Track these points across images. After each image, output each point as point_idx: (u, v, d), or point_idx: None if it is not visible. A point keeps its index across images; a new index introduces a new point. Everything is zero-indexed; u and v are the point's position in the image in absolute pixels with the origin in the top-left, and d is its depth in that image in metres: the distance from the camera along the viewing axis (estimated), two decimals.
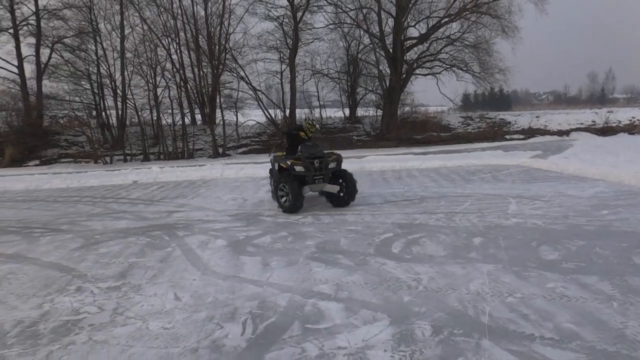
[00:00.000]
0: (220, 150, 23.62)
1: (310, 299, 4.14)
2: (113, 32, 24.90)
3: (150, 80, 23.88)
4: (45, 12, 24.41)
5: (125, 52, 24.34)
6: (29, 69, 25.11)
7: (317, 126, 9.52)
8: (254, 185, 11.91)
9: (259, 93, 26.03)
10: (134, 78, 24.59)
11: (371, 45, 26.43)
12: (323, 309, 3.92)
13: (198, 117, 28.21)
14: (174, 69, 24.78)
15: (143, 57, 23.95)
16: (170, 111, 24.45)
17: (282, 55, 26.73)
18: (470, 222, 6.83)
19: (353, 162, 15.35)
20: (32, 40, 24.85)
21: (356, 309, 3.90)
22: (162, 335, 3.55)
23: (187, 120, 25.58)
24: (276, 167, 8.68)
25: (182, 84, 25.08)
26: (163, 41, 24.72)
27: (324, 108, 28.80)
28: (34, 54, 24.70)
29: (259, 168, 15.01)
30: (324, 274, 4.79)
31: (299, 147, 8.58)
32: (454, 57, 26.40)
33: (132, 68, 24.38)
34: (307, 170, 8.04)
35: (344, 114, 29.43)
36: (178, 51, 25.56)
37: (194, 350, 3.30)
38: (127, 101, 24.60)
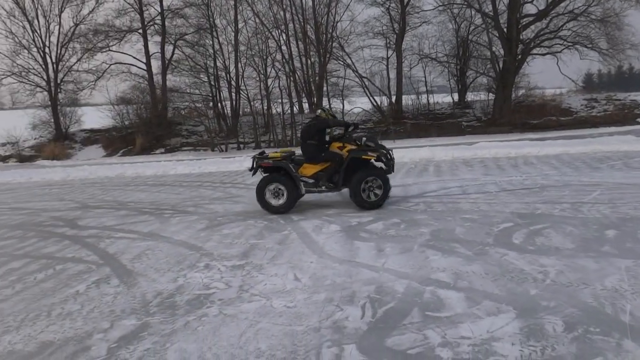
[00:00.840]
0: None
1: (428, 287, 4.07)
2: (228, 26, 26.33)
3: (262, 71, 24.93)
4: (169, 11, 26.47)
5: (239, 45, 25.61)
6: (155, 65, 27.53)
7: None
8: None
9: (364, 80, 26.00)
10: (247, 70, 25.86)
11: (483, 26, 25.06)
12: (442, 297, 3.83)
13: (305, 105, 28.91)
14: (284, 60, 25.62)
15: (255, 50, 25.08)
16: (279, 100, 25.35)
17: (388, 41, 26.40)
18: (601, 213, 6.23)
19: (463, 148, 14.76)
20: (158, 38, 27.12)
21: (478, 299, 3.76)
22: (285, 313, 3.71)
23: (295, 109, 26.35)
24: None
25: (290, 74, 25.87)
26: (273, 33, 25.66)
27: (431, 93, 27.96)
28: (160, 51, 26.96)
29: None
30: (440, 262, 4.68)
31: (362, 139, 7.54)
32: (578, 34, 24.12)
33: (245, 60, 25.63)
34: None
35: (453, 99, 28.34)
36: (287, 42, 26.39)
37: (317, 329, 3.41)
38: (241, 92, 25.94)
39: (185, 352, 3.20)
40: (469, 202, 7.45)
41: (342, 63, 26.09)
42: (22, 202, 10.57)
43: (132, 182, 13.34)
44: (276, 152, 7.83)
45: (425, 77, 27.88)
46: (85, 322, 3.79)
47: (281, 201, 7.47)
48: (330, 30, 25.72)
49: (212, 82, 26.28)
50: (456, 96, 28.48)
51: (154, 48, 27.41)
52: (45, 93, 27.58)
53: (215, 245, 5.83)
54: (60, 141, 26.56)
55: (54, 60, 27.36)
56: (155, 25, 27.22)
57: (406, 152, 14.76)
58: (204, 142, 25.04)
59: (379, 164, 7.64)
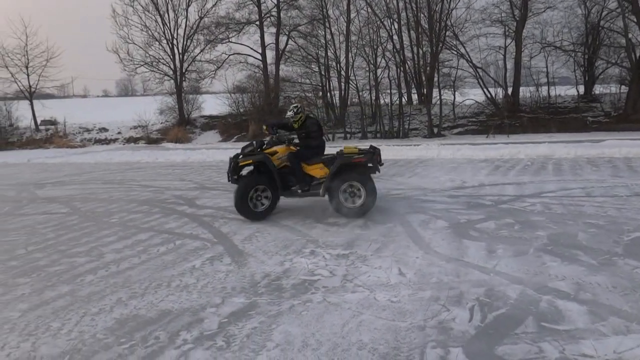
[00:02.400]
0: (435, 130, 23.32)
1: (545, 295, 3.76)
2: (340, 17, 26.51)
3: (371, 61, 24.79)
4: (285, 3, 27.30)
5: (350, 35, 25.69)
6: (270, 55, 28.63)
7: (291, 113, 7.30)
8: (472, 168, 11.41)
9: (479, 71, 24.73)
10: (357, 60, 25.87)
11: (618, 10, 22.50)
12: (561, 309, 3.52)
13: (414, 96, 28.27)
14: (394, 50, 25.25)
15: (366, 39, 24.98)
16: (388, 91, 25.07)
17: (507, 29, 24.78)
18: None
19: (587, 146, 13.45)
20: (273, 29, 28.12)
21: (603, 315, 3.39)
22: (389, 308, 3.65)
23: (403, 100, 25.89)
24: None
25: (401, 64, 25.42)
26: (385, 22, 25.37)
27: (553, 85, 25.79)
28: (274, 42, 27.97)
29: (477, 150, 14.34)
30: (560, 270, 4.30)
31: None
32: None
33: (355, 50, 25.64)
34: None
35: (577, 91, 25.93)
36: (399, 31, 25.94)
37: (421, 328, 3.31)
38: (350, 82, 26.05)
39: (289, 335, 3.28)
40: (593, 205, 6.77)
41: (455, 53, 25.05)
42: (149, 180, 11.62)
43: None
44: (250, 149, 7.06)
45: (546, 68, 25.81)
46: (199, 296, 4.06)
47: (265, 205, 6.79)
48: (445, 19, 24.76)
49: (323, 72, 26.69)
50: (582, 89, 26.02)
51: (269, 39, 28.53)
52: (172, 81, 29.98)
53: (321, 232, 5.93)
54: (182, 126, 28.78)
55: (180, 51, 29.61)
56: (271, 17, 28.26)
57: (522, 148, 13.81)
58: None
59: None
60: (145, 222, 7.02)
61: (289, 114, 7.21)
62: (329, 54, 26.41)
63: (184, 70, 29.72)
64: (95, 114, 36.32)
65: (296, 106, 7.29)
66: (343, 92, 26.46)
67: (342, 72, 26.17)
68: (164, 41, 29.49)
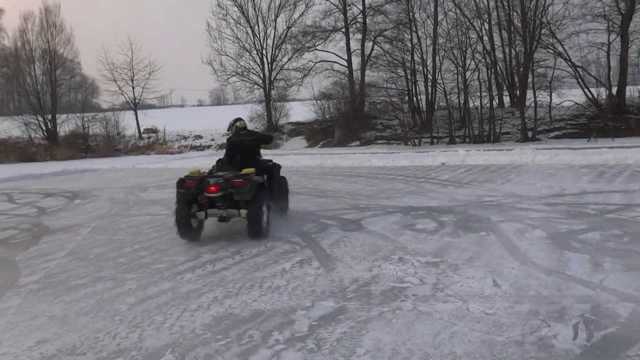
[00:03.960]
0: (530, 134, 22.06)
1: None
2: (427, 19, 26.04)
3: (460, 64, 24.06)
4: (370, 9, 27.37)
5: (438, 37, 25.13)
6: (356, 61, 28.84)
7: (240, 123, 7.38)
8: (572, 174, 10.65)
9: (578, 70, 23.05)
10: (444, 63, 25.24)
11: None
12: None
13: (506, 99, 26.99)
14: (484, 51, 24.30)
15: (454, 42, 24.30)
16: (478, 94, 24.17)
17: (611, 24, 22.87)
18: None
19: None
20: (359, 36, 28.31)
21: None
22: (483, 320, 3.50)
23: (494, 103, 24.81)
24: None
25: (491, 66, 24.41)
26: (474, 23, 24.49)
27: None
28: (360, 47, 28.11)
29: (577, 154, 13.37)
30: None
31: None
32: None
33: (443, 53, 25.03)
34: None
35: None
36: (489, 32, 24.93)
37: (519, 343, 3.13)
38: (437, 85, 25.46)
39: (379, 342, 3.25)
40: None
41: (552, 51, 23.55)
42: None
43: (330, 172, 14.23)
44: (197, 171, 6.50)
45: None
46: (290, 298, 4.15)
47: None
48: (540, 16, 23.37)
49: (409, 76, 26.36)
50: None
51: (354, 45, 28.74)
52: (261, 90, 31.15)
53: (409, 239, 5.83)
54: (270, 132, 29.77)
55: (269, 61, 30.70)
56: (357, 23, 28.45)
57: (630, 153, 12.67)
58: (398, 136, 25.32)
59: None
60: (235, 223, 7.32)
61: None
62: (416, 57, 26.04)
63: (272, 79, 30.77)
64: (191, 122, 38.61)
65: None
66: (430, 96, 25.93)
67: (429, 76, 25.66)
68: (254, 52, 30.74)
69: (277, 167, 7.53)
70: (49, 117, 31.57)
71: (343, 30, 28.67)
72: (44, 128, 31.44)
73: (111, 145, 31.04)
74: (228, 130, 7.48)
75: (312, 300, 4.05)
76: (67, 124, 31.98)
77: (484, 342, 3.17)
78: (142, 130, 33.40)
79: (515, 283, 4.18)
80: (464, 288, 4.13)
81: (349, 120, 27.45)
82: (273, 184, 7.17)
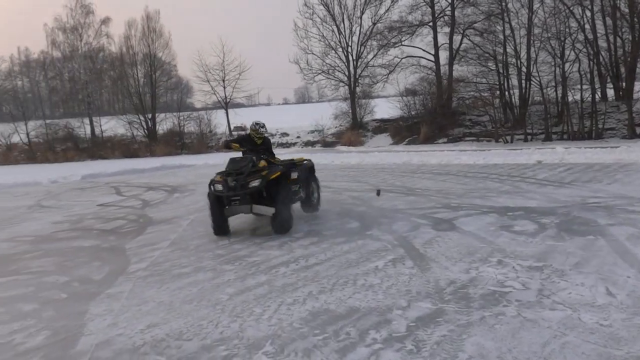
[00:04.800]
0: (639, 130, 20.15)
1: None
2: (522, 9, 24.65)
3: (558, 55, 22.52)
4: (460, 1, 26.41)
5: (533, 28, 23.70)
6: (443, 56, 28.03)
7: (264, 129, 7.58)
8: None
9: None
10: (540, 54, 23.77)
11: None
12: None
13: (610, 92, 24.87)
14: (586, 40, 22.53)
15: (552, 31, 22.78)
16: (578, 87, 22.48)
17: None
18: None
19: None
20: (447, 29, 27.48)
21: None
22: (598, 331, 3.23)
23: (596, 96, 22.94)
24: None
25: (594, 56, 22.57)
26: (575, 10, 22.78)
27: None
28: (448, 41, 27.26)
29: None
30: None
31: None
32: None
33: (538, 44, 23.59)
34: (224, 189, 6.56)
35: None
36: (591, 20, 23.06)
37: None
38: (532, 79, 24.05)
39: (482, 348, 3.11)
40: None
41: None
42: (328, 182, 12.25)
43: (418, 169, 13.95)
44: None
45: None
46: (385, 297, 4.10)
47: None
48: None
49: (501, 70, 25.15)
50: None
51: (442, 39, 27.93)
52: (346, 87, 31.27)
53: (508, 241, 5.54)
54: (355, 130, 29.81)
55: (354, 58, 30.74)
56: (445, 17, 27.62)
57: None
58: (488, 132, 24.27)
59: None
60: (327, 220, 7.40)
61: (261, 130, 7.45)
62: (508, 50, 24.79)
63: (357, 76, 30.76)
64: (277, 120, 39.70)
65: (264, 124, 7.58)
66: (523, 90, 24.58)
67: (523, 69, 24.32)
68: (340, 49, 30.93)
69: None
70: (149, 116, 33.99)
71: (430, 24, 27.95)
72: (144, 126, 33.91)
73: (204, 143, 32.75)
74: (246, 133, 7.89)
75: (408, 301, 3.98)
76: (165, 123, 34.25)
77: (600, 355, 2.93)
78: (232, 128, 34.88)
79: (632, 293, 3.82)
80: (573, 296, 3.84)
81: (436, 116, 26.75)
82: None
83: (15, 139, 34.32)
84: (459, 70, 27.43)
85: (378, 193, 9.02)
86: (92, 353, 3.41)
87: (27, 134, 33.82)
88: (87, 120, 34.81)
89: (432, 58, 28.27)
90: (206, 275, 5.04)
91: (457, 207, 7.73)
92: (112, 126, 33.92)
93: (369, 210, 7.98)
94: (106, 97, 43.00)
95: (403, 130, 27.98)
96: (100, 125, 34.61)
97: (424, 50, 28.47)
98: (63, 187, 15.38)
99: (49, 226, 8.51)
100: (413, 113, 28.73)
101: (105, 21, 35.84)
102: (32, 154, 33.04)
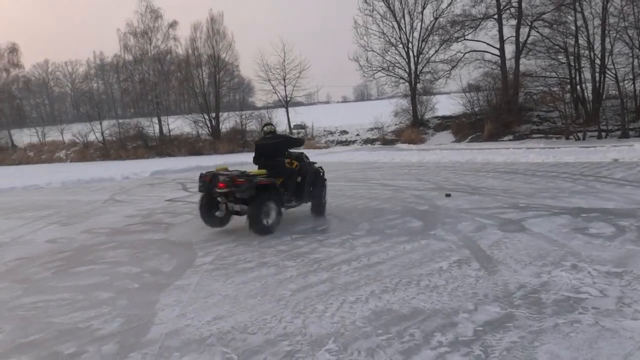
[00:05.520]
0: None
1: None
2: None
3: (636, 45, 21.00)
4: None
5: (608, 17, 22.22)
6: (509, 49, 26.91)
7: (267, 127, 8.11)
8: None
9: None
10: (616, 45, 22.23)
11: None
12: None
13: None
14: None
15: (629, 20, 21.26)
16: None
17: None
18: None
19: None
20: (513, 22, 26.35)
21: None
22: None
23: None
24: None
25: None
26: None
27: None
28: (514, 34, 26.14)
29: None
30: None
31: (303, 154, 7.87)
32: None
33: (614, 34, 22.07)
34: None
35: None
36: None
37: None
38: (607, 72, 22.58)
39: (557, 357, 2.95)
40: None
41: None
42: (388, 179, 12.13)
43: (482, 168, 13.49)
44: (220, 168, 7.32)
45: None
46: (450, 299, 3.99)
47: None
48: None
49: (572, 63, 23.78)
50: None
51: (508, 32, 26.85)
52: (407, 84, 30.80)
53: (582, 245, 5.23)
54: (416, 127, 29.31)
55: (414, 54, 30.21)
56: (512, 9, 26.50)
57: None
58: (557, 129, 23.07)
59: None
60: (388, 219, 7.31)
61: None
62: (580, 41, 23.39)
63: (418, 73, 30.22)
64: (336, 118, 39.80)
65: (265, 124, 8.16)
66: (597, 84, 23.12)
67: (597, 61, 22.86)
68: (400, 46, 30.50)
69: (310, 169, 7.87)
70: (213, 115, 35.07)
71: (495, 17, 26.92)
72: (208, 125, 35.04)
73: None
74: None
75: (475, 304, 3.84)
76: (227, 121, 35.22)
77: None
78: (292, 126, 35.34)
79: None
80: None
81: (501, 112, 25.76)
82: (289, 186, 7.47)
83: (91, 137, 36.57)
84: (526, 64, 26.21)
85: (448, 195, 8.83)
86: (162, 342, 3.55)
87: (102, 133, 35.90)
88: (155, 120, 36.49)
89: (497, 52, 27.24)
90: (269, 271, 5.12)
91: (526, 208, 7.40)
92: (178, 125, 35.34)
93: (432, 210, 7.80)
94: (173, 98, 44.80)
95: (466, 127, 27.18)
96: (168, 124, 36.13)
97: (488, 44, 27.50)
98: (134, 183, 16.19)
99: (122, 219, 8.98)
100: (476, 109, 27.83)
101: (173, 25, 37.35)
102: (106, 151, 35.05)
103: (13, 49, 46.90)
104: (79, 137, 37.09)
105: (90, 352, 3.47)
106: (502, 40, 26.85)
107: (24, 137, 44.59)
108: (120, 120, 38.71)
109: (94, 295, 4.70)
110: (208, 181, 6.86)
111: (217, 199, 7.05)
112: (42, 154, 39.50)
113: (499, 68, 27.30)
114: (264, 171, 7.13)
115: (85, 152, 36.19)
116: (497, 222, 6.59)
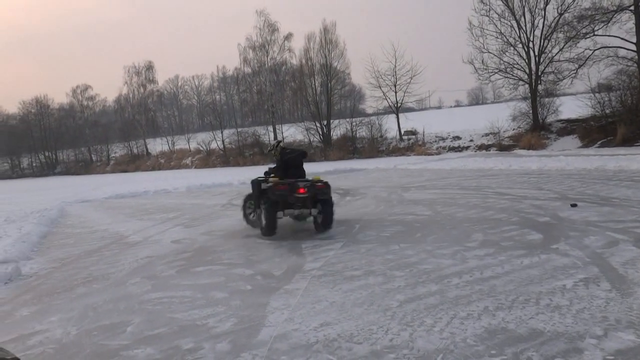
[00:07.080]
0: None
1: None
2: None
3: None
4: None
5: None
6: None
7: (282, 144, 8.98)
8: None
9: None
10: None
11: None
12: None
13: None
14: None
15: None
16: None
17: None
18: None
19: None
20: None
21: None
22: None
23: None
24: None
25: None
26: None
27: None
28: None
29: None
30: None
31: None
32: None
33: None
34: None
35: None
36: None
37: None
38: None
39: None
40: None
41: None
42: (504, 188, 11.43)
43: (614, 176, 12.16)
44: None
45: None
46: (575, 321, 3.62)
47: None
48: None
49: None
50: None
51: None
52: (526, 86, 28.89)
53: None
54: (536, 131, 27.35)
55: (536, 54, 28.25)
56: None
57: None
58: None
59: None
60: (504, 230, 6.89)
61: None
62: None
63: (539, 73, 28.23)
64: (449, 123, 38.55)
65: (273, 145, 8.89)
66: None
67: None
68: (519, 45, 28.78)
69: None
70: (325, 122, 35.95)
71: (631, 8, 24.21)
72: (320, 132, 35.97)
73: (375, 147, 33.44)
74: (270, 150, 9.01)
75: (605, 329, 3.45)
76: (338, 129, 35.91)
77: None
78: (402, 133, 34.95)
79: None
80: None
81: (637, 115, 23.05)
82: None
83: (213, 145, 39.50)
84: None
85: (573, 205, 8.12)
86: (271, 344, 3.67)
87: (223, 141, 38.59)
88: (270, 128, 38.37)
89: (633, 47, 24.44)
90: (376, 280, 5.07)
91: None
92: (291, 133, 36.80)
93: (554, 222, 7.19)
94: (287, 107, 46.80)
95: (594, 131, 24.74)
96: (282, 132, 37.78)
97: (622, 39, 24.80)
98: (250, 189, 17.10)
99: (237, 222, 9.52)
100: (607, 111, 25.20)
101: (288, 37, 39.09)
102: (226, 158, 37.64)
103: (149, 67, 52.50)
104: (203, 145, 40.32)
105: (205, 348, 3.70)
106: (639, 34, 24.07)
107: (156, 145, 49.68)
108: (239, 129, 41.30)
109: (211, 294, 5.02)
110: (287, 190, 7.54)
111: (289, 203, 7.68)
112: (171, 160, 43.65)
113: (635, 65, 24.49)
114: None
115: (207, 159, 39.23)
116: (632, 237, 5.87)
